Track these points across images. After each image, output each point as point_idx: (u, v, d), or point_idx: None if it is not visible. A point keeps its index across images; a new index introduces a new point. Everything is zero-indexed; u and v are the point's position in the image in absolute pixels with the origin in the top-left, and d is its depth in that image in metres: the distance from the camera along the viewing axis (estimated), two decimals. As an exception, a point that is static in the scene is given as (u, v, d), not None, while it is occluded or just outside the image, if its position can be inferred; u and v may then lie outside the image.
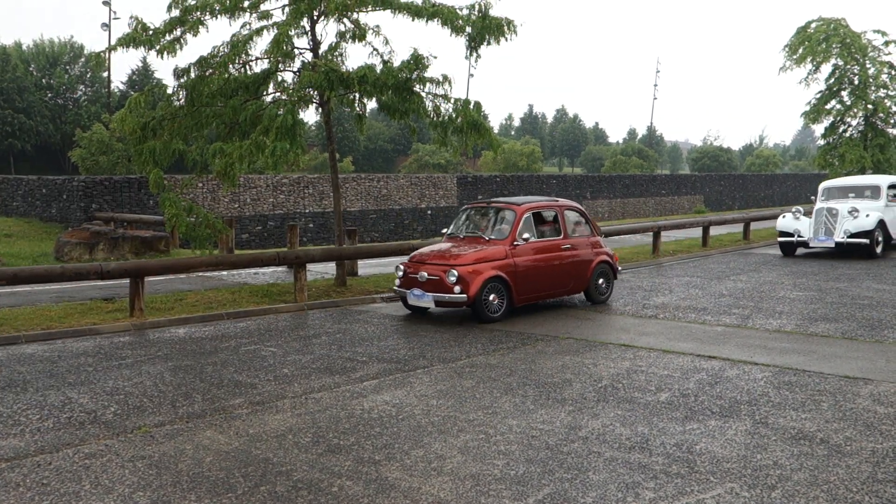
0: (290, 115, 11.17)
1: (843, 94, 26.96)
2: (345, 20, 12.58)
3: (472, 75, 66.61)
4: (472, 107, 12.64)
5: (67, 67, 67.93)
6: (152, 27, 11.77)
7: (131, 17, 11.77)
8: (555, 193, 40.17)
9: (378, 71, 12.01)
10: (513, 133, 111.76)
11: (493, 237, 10.77)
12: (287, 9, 12.28)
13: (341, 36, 12.84)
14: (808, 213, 17.94)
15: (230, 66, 11.90)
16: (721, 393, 6.64)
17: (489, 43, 12.56)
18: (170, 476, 4.84)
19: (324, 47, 12.76)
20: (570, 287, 11.31)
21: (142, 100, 11.94)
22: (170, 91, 12.32)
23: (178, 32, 11.86)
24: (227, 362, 8.01)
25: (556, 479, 4.73)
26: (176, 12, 11.84)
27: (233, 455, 5.22)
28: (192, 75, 11.94)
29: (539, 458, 5.09)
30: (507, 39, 12.62)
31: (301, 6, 11.81)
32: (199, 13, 11.90)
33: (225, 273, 15.02)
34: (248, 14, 12.29)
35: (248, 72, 12.38)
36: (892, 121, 27.09)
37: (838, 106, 27.11)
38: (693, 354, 8.15)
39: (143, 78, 63.97)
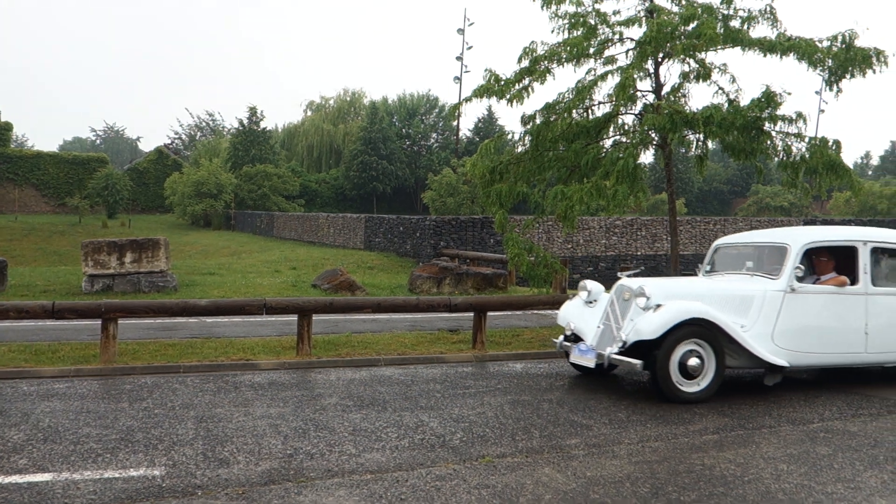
0: (632, 158, 11.20)
1: None
2: (690, 60, 12.34)
3: (822, 111, 60.98)
4: (830, 145, 11.63)
5: (423, 118, 75.56)
6: (504, 78, 12.61)
7: (486, 70, 12.73)
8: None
9: (724, 110, 11.55)
10: (870, 173, 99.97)
11: None
12: (632, 53, 12.37)
13: (685, 76, 12.63)
14: None
15: (573, 111, 12.26)
16: None
17: (852, 76, 11.52)
18: (512, 507, 5.01)
19: (666, 88, 12.62)
20: None
21: (491, 146, 12.81)
22: (516, 137, 13.06)
23: (526, 81, 12.55)
24: (562, 401, 8.14)
25: (945, 579, 4.02)
26: (526, 63, 12.54)
27: (570, 496, 5.25)
28: (538, 121, 12.52)
29: (920, 550, 4.38)
30: (874, 72, 11.46)
31: (647, 49, 11.81)
32: (546, 62, 12.49)
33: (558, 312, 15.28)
34: (592, 60, 12.62)
35: (590, 116, 12.66)
36: None
37: None
38: None
39: (487, 125, 68.82)
